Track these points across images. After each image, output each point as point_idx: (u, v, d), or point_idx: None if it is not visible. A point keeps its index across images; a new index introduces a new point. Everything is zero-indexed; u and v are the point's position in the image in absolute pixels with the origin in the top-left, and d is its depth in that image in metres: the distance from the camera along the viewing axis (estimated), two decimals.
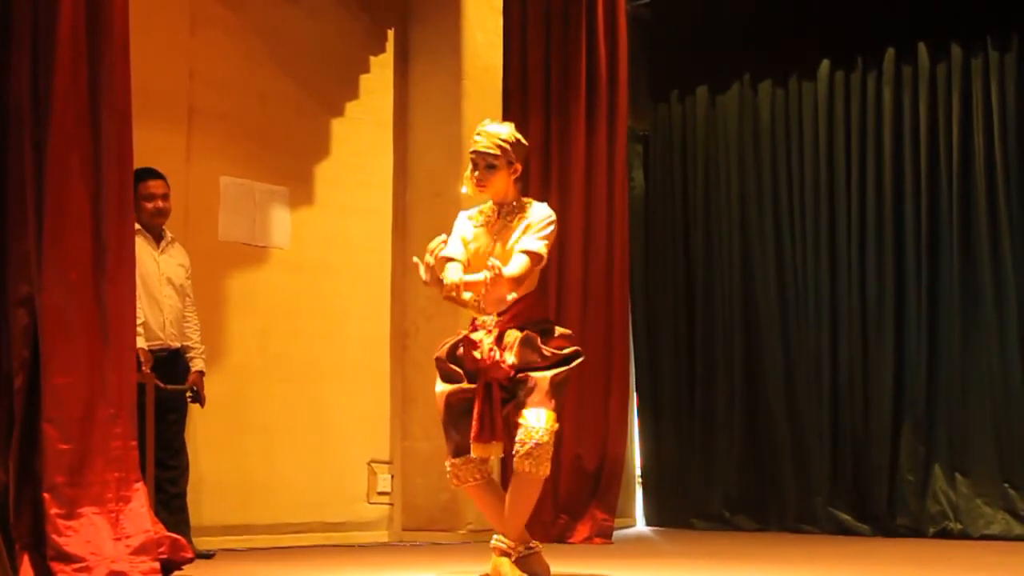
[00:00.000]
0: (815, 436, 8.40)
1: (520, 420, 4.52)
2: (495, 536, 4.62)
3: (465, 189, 4.85)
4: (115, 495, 4.67)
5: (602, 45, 7.80)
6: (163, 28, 6.68)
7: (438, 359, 4.75)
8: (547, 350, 4.61)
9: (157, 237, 6.20)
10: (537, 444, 4.47)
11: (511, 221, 4.76)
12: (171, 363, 6.16)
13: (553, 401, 4.56)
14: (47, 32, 4.75)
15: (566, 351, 4.65)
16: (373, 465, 7.54)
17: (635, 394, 8.99)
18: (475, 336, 4.65)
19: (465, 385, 4.63)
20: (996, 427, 7.81)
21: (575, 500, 7.32)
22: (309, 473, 7.23)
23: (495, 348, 4.58)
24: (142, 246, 5.71)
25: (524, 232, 4.71)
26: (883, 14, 8.46)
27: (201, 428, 6.65)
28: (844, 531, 8.11)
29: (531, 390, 4.55)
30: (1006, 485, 7.73)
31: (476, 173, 4.74)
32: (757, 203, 8.88)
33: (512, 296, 4.63)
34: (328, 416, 7.37)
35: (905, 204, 8.26)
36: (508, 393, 4.65)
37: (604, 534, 7.32)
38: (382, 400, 7.63)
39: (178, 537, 4.87)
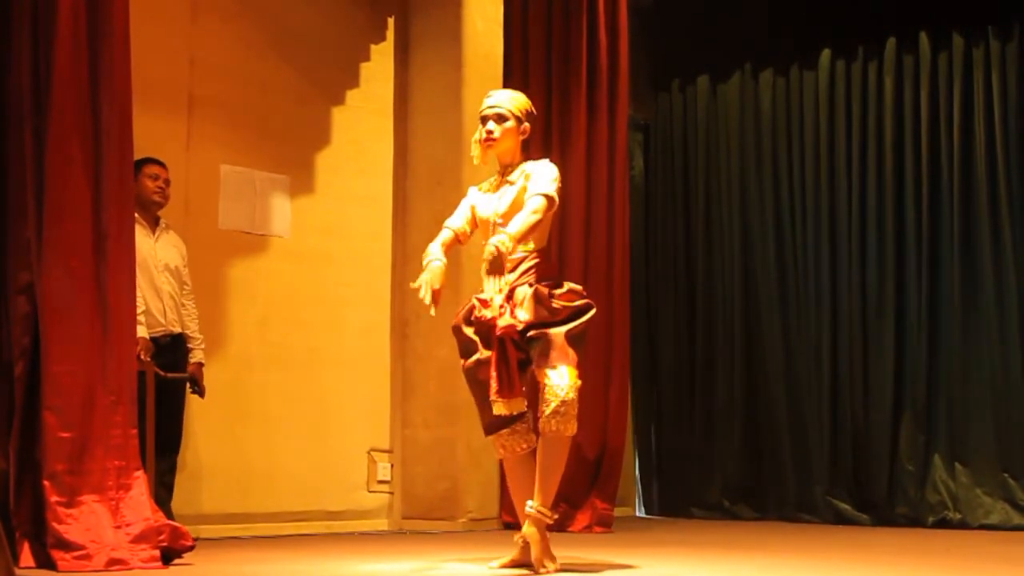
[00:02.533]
0: (815, 425, 8.40)
1: (543, 380, 4.50)
2: (530, 503, 4.52)
3: (474, 153, 4.84)
4: (115, 483, 4.68)
5: (603, 34, 7.78)
6: (164, 16, 6.67)
7: (455, 328, 4.75)
8: (557, 303, 4.58)
9: (153, 223, 6.21)
10: (563, 402, 4.45)
11: (512, 182, 4.77)
12: (174, 348, 6.20)
13: (572, 356, 4.54)
14: (47, 20, 4.74)
15: (577, 303, 4.63)
16: (373, 453, 7.55)
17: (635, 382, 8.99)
18: (484, 296, 4.62)
19: (483, 355, 4.61)
20: (996, 417, 7.81)
21: (575, 489, 7.31)
22: (309, 461, 7.24)
23: (505, 305, 4.55)
24: (139, 232, 5.70)
25: (526, 181, 4.69)
26: (884, 3, 8.45)
27: (201, 417, 6.66)
28: (843, 520, 8.12)
29: (547, 347, 4.52)
30: (1005, 475, 7.74)
31: (485, 131, 4.76)
32: (758, 192, 8.87)
33: (523, 249, 4.59)
34: (328, 404, 7.38)
35: (906, 194, 8.25)
36: (523, 353, 4.60)
37: (604, 523, 7.32)
38: (382, 388, 7.63)
39: (178, 525, 4.88)
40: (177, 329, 6.23)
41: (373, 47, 7.78)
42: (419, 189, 7.68)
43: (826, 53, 8.64)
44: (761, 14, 8.81)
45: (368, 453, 7.54)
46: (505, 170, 4.82)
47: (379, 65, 7.79)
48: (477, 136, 4.83)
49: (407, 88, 7.80)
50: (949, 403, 8.00)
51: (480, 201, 4.85)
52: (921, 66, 8.26)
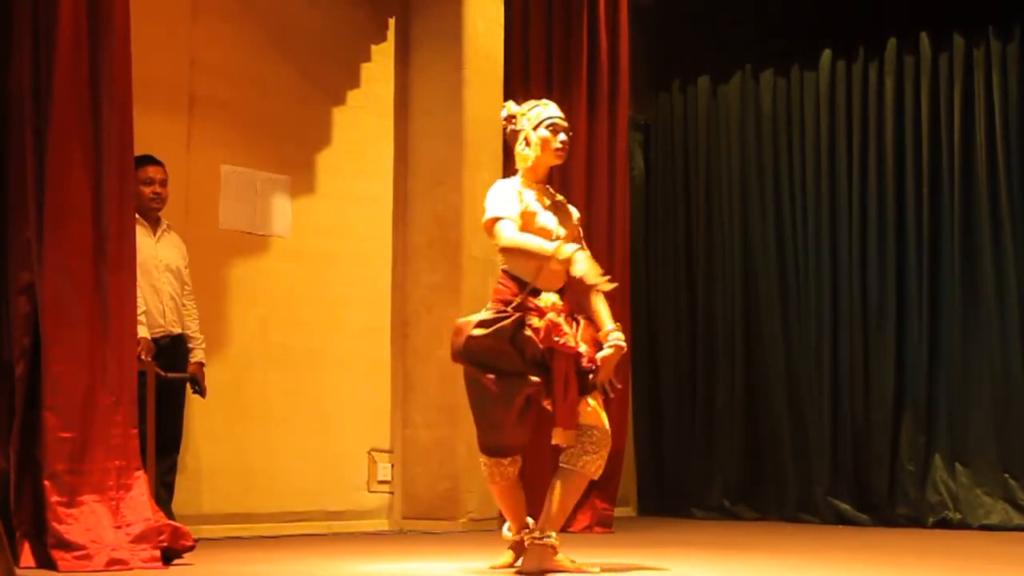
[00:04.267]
0: (815, 425, 8.40)
1: (588, 422, 4.49)
2: (543, 535, 4.48)
3: (533, 153, 4.68)
4: (116, 483, 4.69)
5: (603, 34, 7.79)
6: (164, 16, 6.67)
7: (478, 338, 4.47)
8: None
9: (154, 224, 6.22)
10: (608, 448, 4.53)
11: (562, 204, 4.82)
12: (174, 349, 6.20)
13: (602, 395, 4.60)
14: (48, 20, 4.75)
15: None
16: (373, 454, 7.55)
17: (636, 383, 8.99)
18: (556, 320, 4.47)
19: (532, 379, 4.46)
20: (996, 417, 7.81)
21: None
22: (309, 461, 7.24)
23: (578, 339, 4.53)
24: (140, 233, 5.69)
25: (578, 223, 4.79)
26: (885, 4, 8.45)
27: (201, 417, 6.66)
28: (844, 521, 8.11)
29: (592, 385, 4.53)
30: (1006, 475, 7.74)
31: (559, 141, 4.69)
32: (758, 193, 8.87)
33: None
34: (328, 405, 7.38)
35: (906, 194, 8.25)
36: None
37: (604, 523, 7.32)
38: (383, 389, 7.63)
39: (178, 525, 4.88)
40: (177, 330, 6.23)
41: (374, 47, 7.78)
42: (419, 189, 7.68)
43: (827, 54, 8.64)
44: (761, 14, 8.81)
45: (368, 453, 7.54)
46: (541, 184, 4.77)
47: (380, 65, 7.79)
48: (538, 140, 4.68)
49: (408, 88, 7.81)
50: (949, 403, 8.00)
51: (536, 207, 4.67)
52: (922, 67, 8.26)
